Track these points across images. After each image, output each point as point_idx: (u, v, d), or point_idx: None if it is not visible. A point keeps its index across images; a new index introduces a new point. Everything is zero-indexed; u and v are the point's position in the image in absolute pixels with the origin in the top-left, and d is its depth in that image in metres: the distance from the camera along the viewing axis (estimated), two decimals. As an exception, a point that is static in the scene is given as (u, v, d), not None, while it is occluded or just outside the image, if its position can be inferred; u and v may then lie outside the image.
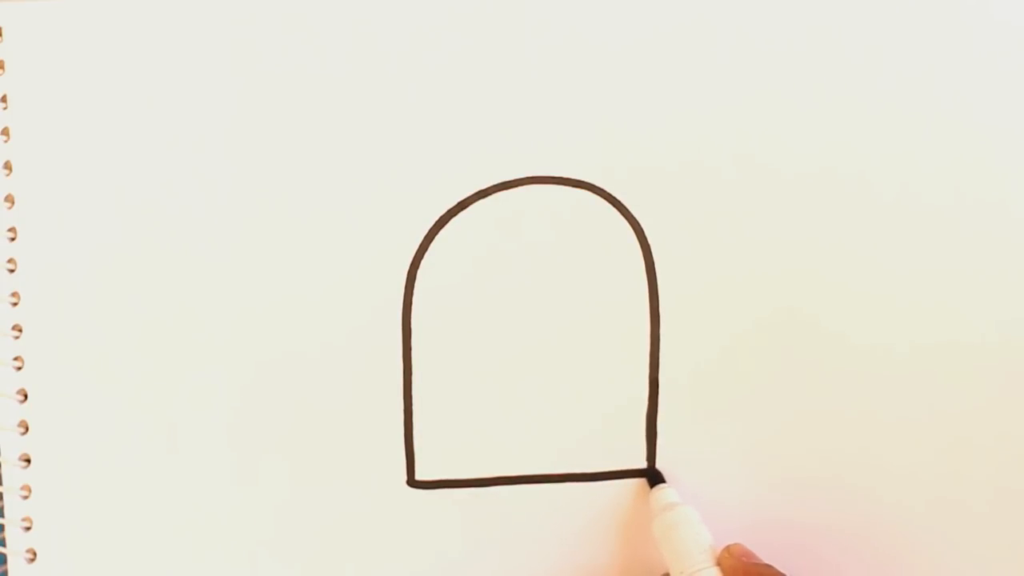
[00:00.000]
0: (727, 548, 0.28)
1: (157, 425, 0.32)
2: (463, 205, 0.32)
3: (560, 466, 0.32)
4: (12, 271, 0.32)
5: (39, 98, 0.32)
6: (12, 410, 0.33)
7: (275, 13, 0.32)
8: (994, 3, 0.31)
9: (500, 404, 0.32)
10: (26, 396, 0.33)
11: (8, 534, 0.33)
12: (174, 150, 0.32)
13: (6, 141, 0.32)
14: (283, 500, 0.32)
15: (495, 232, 0.32)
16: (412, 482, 0.32)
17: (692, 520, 0.29)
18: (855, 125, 0.31)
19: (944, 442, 0.32)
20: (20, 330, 0.33)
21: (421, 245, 0.32)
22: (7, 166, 0.32)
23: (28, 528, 0.33)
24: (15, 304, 0.32)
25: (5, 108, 0.32)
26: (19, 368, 0.33)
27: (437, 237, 0.32)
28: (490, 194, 0.32)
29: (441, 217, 0.32)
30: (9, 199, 0.32)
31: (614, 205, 0.32)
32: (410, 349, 0.32)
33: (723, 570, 0.28)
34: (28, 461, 0.33)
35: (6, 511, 0.33)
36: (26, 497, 0.33)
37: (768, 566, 0.28)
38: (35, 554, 0.33)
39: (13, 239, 0.32)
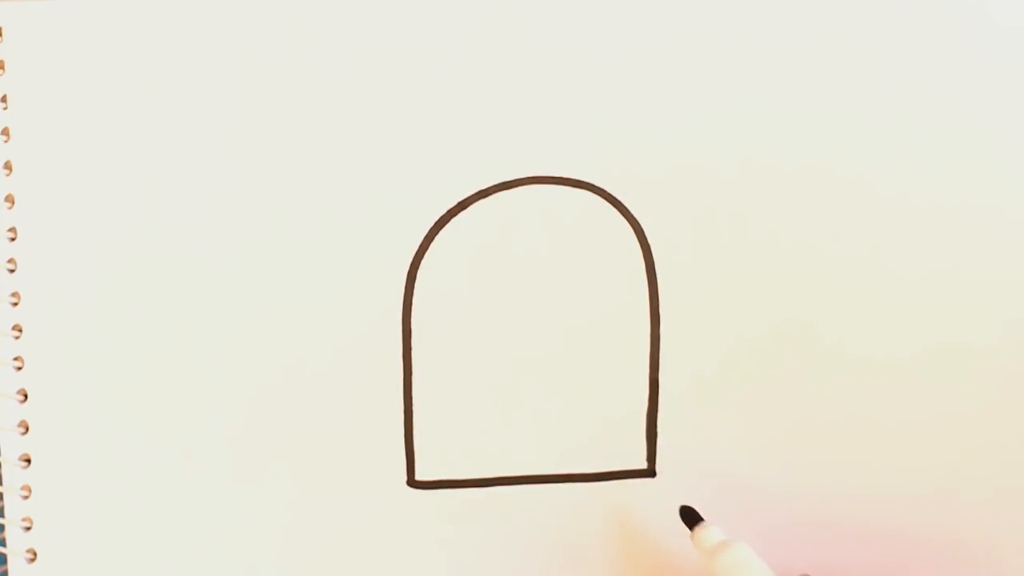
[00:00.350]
0: None
1: (157, 425, 0.32)
2: (463, 205, 0.32)
3: (560, 466, 0.32)
4: (12, 271, 0.32)
5: (39, 98, 0.32)
6: (12, 410, 0.33)
7: (275, 14, 0.32)
8: (994, 3, 0.31)
9: (500, 404, 0.32)
10: (26, 396, 0.33)
11: (8, 534, 0.33)
12: (174, 150, 0.32)
13: (6, 141, 0.32)
14: (283, 500, 0.32)
15: (495, 232, 0.32)
16: (412, 482, 0.32)
17: (752, 556, 0.29)
18: (856, 126, 0.31)
19: (945, 446, 0.32)
20: (20, 330, 0.33)
21: (421, 245, 0.32)
22: (7, 166, 0.32)
23: (28, 528, 0.33)
24: (15, 304, 0.32)
25: (5, 108, 0.32)
26: (19, 368, 0.33)
27: (437, 237, 0.32)
28: (490, 194, 0.32)
29: (441, 217, 0.32)
30: (9, 199, 0.32)
31: (614, 205, 0.32)
32: (410, 349, 0.32)
33: None
34: (28, 461, 0.33)
35: (6, 511, 0.33)
36: (26, 497, 0.33)
37: None
38: (35, 554, 0.33)
39: (13, 239, 0.32)
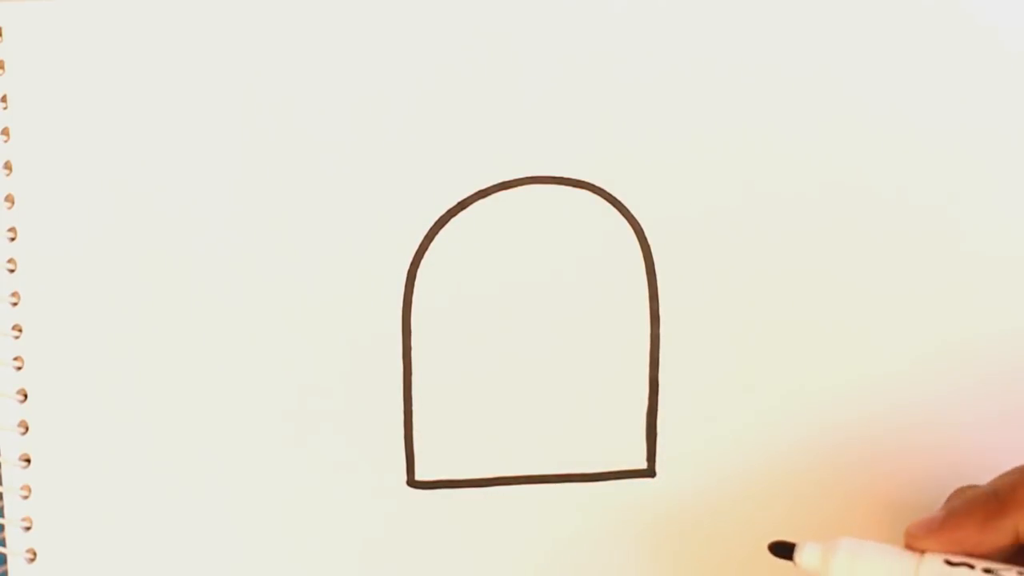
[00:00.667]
0: (909, 536, 0.25)
1: (156, 425, 0.32)
2: (463, 205, 0.32)
3: (560, 466, 0.32)
4: (12, 271, 0.32)
5: (39, 98, 0.32)
6: (12, 410, 0.33)
7: (275, 14, 0.32)
8: (994, 3, 0.31)
9: (500, 404, 0.32)
10: (26, 396, 0.33)
11: (8, 534, 0.33)
12: (174, 150, 0.32)
13: (6, 141, 0.32)
14: (283, 500, 0.32)
15: (495, 232, 0.32)
16: (412, 482, 0.32)
17: (859, 544, 0.25)
18: (856, 126, 0.31)
19: (946, 446, 0.32)
20: (20, 330, 0.33)
21: (421, 245, 0.32)
22: (7, 166, 0.32)
23: (28, 528, 0.33)
24: (15, 304, 0.32)
25: (5, 108, 0.32)
26: (19, 368, 0.33)
27: (437, 237, 0.32)
28: (490, 194, 0.32)
29: (441, 217, 0.32)
30: (9, 199, 0.32)
31: (614, 205, 0.32)
32: (410, 349, 0.32)
33: (930, 551, 0.24)
34: (28, 461, 0.33)
35: (6, 511, 0.33)
36: (26, 497, 0.33)
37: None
38: (35, 554, 0.33)
39: (13, 239, 0.32)
